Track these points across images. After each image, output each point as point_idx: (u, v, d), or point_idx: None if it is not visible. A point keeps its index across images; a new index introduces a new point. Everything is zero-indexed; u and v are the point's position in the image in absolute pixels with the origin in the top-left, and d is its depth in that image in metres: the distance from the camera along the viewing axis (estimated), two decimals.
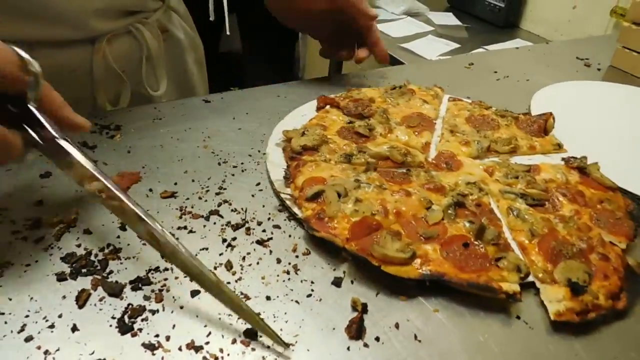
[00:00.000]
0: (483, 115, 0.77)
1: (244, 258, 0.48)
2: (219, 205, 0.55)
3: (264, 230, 0.52)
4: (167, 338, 0.39)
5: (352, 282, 0.47)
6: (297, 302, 0.44)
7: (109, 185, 0.43)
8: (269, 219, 0.53)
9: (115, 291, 0.43)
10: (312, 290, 0.45)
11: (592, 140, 0.77)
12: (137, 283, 0.44)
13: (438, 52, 1.54)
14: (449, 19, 1.86)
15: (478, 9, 1.86)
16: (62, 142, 0.43)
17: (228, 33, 1.01)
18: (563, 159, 0.69)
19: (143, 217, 0.42)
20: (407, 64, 0.93)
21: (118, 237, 0.49)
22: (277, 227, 0.52)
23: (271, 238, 0.51)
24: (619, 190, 0.62)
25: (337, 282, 0.46)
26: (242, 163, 0.62)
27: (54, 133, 0.43)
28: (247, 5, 1.41)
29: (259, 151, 0.65)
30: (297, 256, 0.49)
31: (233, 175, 0.60)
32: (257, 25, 1.58)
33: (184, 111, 0.74)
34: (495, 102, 0.81)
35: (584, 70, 1.06)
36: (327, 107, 0.74)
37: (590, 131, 0.80)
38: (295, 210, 0.53)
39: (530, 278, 0.47)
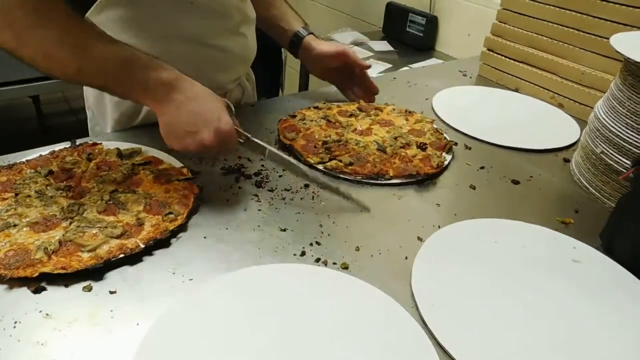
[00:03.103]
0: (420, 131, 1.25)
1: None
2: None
3: None
4: (275, 188, 1.03)
5: None
6: None
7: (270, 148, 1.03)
8: None
9: (247, 176, 1.05)
10: None
11: (465, 117, 1.38)
12: (257, 175, 1.07)
13: (377, 71, 2.19)
14: (384, 46, 2.54)
15: (404, 37, 2.56)
16: (252, 138, 1.01)
17: None
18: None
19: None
20: None
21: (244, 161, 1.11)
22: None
23: None
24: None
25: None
26: (274, 130, 1.25)
27: (246, 134, 1.00)
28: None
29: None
30: None
31: (272, 133, 1.23)
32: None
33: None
34: (407, 101, 1.45)
35: (462, 78, 1.76)
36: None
37: (465, 114, 1.41)
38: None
39: None
